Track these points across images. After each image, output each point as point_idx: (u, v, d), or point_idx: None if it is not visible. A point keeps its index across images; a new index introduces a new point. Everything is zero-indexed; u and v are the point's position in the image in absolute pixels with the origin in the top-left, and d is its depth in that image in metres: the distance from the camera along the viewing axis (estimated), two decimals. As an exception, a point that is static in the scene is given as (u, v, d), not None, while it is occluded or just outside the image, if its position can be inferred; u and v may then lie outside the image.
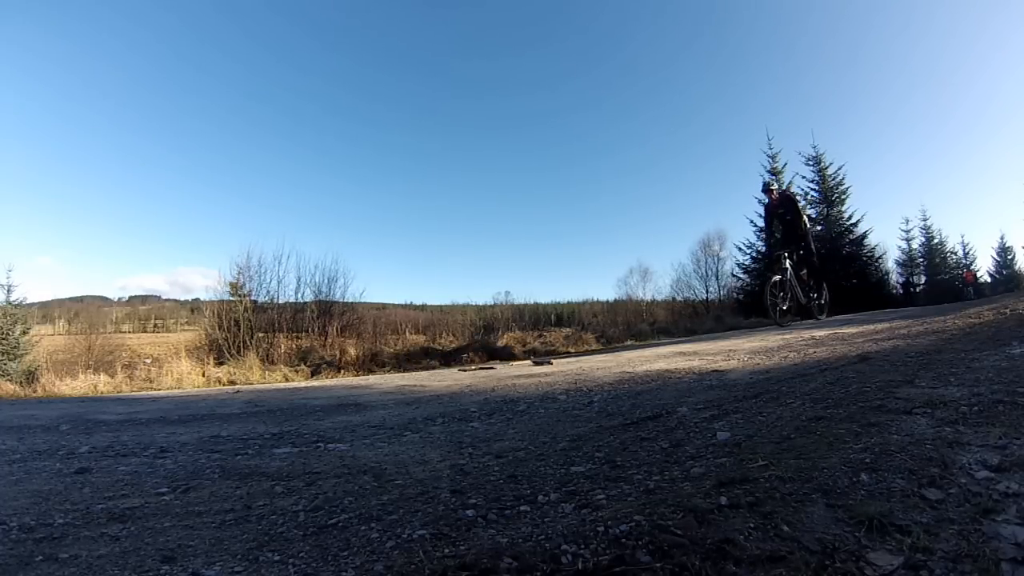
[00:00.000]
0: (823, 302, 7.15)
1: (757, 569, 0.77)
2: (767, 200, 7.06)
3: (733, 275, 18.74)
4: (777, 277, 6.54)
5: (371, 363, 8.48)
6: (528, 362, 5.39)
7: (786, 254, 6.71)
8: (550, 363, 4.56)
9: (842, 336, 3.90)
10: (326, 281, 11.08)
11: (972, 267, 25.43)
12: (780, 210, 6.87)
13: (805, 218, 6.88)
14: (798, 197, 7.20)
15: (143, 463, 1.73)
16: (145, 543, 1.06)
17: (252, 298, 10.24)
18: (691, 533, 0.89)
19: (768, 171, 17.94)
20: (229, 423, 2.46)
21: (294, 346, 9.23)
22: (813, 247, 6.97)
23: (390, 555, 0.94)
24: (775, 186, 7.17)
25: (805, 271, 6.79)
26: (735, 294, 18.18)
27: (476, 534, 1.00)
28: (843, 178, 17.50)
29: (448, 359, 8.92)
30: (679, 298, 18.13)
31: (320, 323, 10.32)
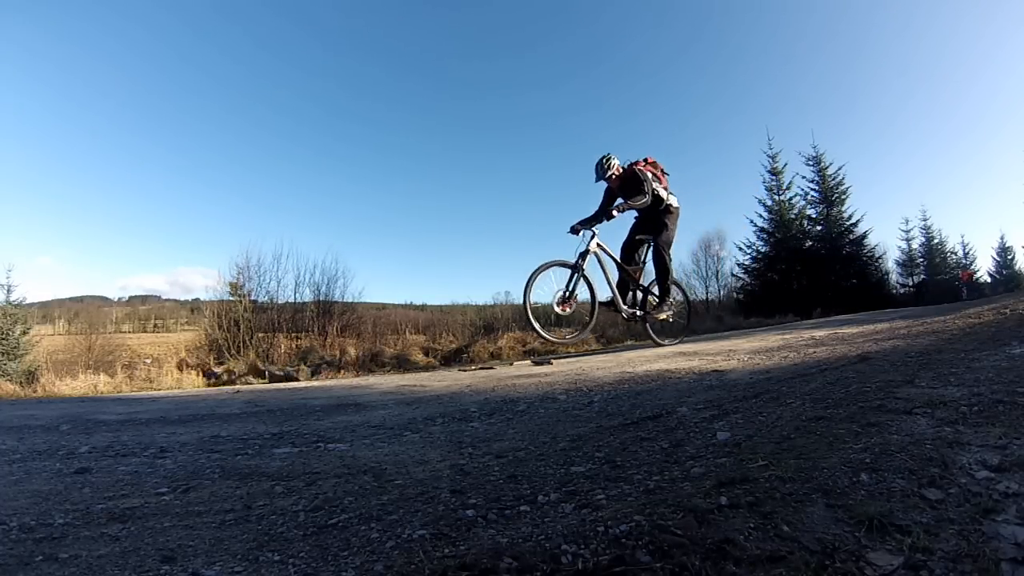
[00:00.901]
0: (671, 312, 5.00)
1: (757, 569, 0.77)
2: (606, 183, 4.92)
3: (733, 275, 18.77)
4: (558, 265, 4.37)
5: (371, 363, 8.48)
6: (528, 362, 5.39)
7: (591, 233, 4.56)
8: (550, 363, 4.56)
9: (842, 336, 3.90)
10: (326, 281, 11.14)
11: (971, 267, 25.52)
12: (620, 193, 4.85)
13: (672, 199, 4.91)
14: (649, 171, 4.82)
15: (143, 463, 1.73)
16: (145, 543, 1.06)
17: (252, 298, 10.28)
18: (691, 533, 0.89)
19: (768, 171, 17.99)
20: (229, 423, 2.45)
21: (294, 346, 9.25)
22: (671, 240, 4.91)
23: (390, 555, 0.94)
24: (615, 161, 4.83)
25: (654, 276, 5.02)
26: (735, 294, 18.27)
27: (476, 534, 1.00)
28: (843, 178, 17.58)
29: (448, 359, 8.92)
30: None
31: (320, 323, 10.36)
